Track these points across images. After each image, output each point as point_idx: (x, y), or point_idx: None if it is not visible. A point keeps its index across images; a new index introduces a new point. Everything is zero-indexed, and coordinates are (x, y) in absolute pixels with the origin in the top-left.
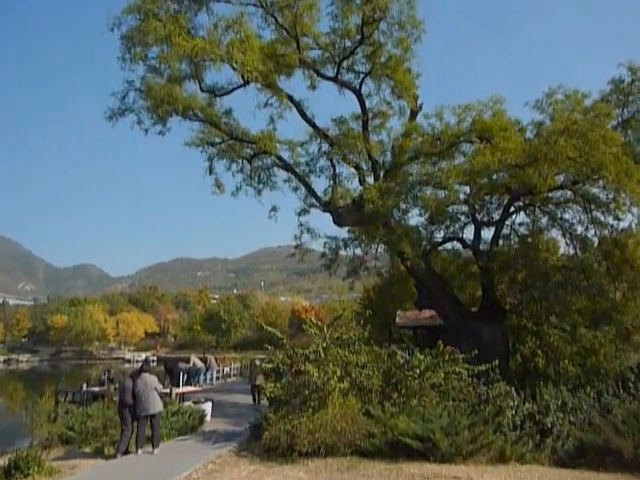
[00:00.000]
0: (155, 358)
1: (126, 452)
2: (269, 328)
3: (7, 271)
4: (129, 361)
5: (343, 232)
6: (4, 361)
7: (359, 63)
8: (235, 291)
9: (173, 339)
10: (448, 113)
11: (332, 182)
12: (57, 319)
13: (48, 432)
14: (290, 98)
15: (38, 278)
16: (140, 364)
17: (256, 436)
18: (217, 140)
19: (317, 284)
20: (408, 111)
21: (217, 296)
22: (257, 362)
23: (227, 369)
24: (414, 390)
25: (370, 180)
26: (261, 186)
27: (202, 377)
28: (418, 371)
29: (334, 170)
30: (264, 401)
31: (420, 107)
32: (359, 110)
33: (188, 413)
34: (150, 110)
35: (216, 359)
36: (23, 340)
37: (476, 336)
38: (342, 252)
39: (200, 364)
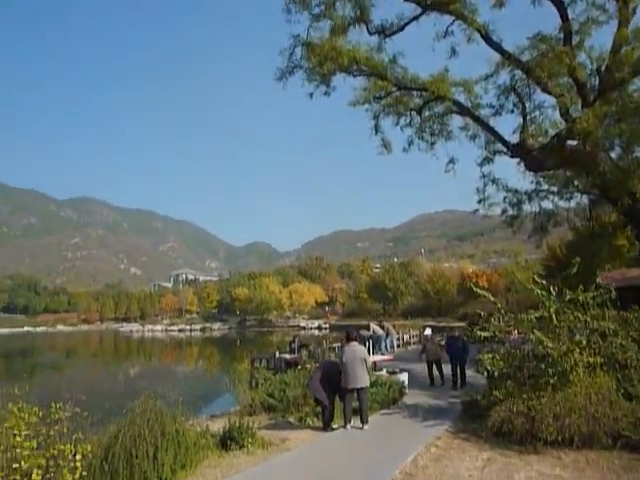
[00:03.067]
0: (327, 325)
1: (330, 426)
2: (480, 290)
3: (195, 252)
4: (304, 328)
5: (526, 184)
6: (200, 329)
7: None
8: (395, 259)
9: (341, 307)
10: None
11: (522, 121)
12: (239, 292)
13: (251, 399)
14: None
15: (220, 256)
16: (345, 332)
17: (470, 415)
18: (383, 94)
19: (481, 248)
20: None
21: (378, 265)
22: (428, 332)
23: (406, 336)
24: None
25: (575, 110)
26: (434, 138)
27: (383, 344)
28: None
29: (523, 106)
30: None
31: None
32: (556, 26)
33: (387, 384)
34: (313, 70)
35: (394, 326)
36: (213, 311)
37: None
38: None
39: (380, 331)
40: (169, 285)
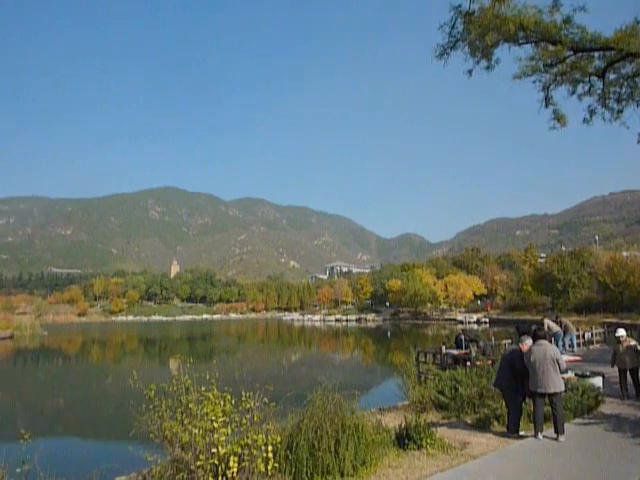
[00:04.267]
0: (487, 319)
1: (516, 432)
2: None
3: (347, 244)
4: (461, 322)
5: None
6: (356, 319)
7: None
8: (563, 248)
9: (502, 301)
10: None
11: None
12: (392, 283)
13: (421, 395)
14: None
15: (371, 248)
16: (533, 328)
17: None
18: (555, 60)
19: None
20: None
21: (543, 255)
22: (621, 333)
23: (587, 334)
24: None
25: None
26: (621, 104)
27: (560, 343)
28: None
29: None
30: None
31: None
32: None
33: (580, 389)
34: (475, 42)
35: (572, 323)
36: (367, 302)
37: None
38: None
39: (556, 328)
40: (325, 277)
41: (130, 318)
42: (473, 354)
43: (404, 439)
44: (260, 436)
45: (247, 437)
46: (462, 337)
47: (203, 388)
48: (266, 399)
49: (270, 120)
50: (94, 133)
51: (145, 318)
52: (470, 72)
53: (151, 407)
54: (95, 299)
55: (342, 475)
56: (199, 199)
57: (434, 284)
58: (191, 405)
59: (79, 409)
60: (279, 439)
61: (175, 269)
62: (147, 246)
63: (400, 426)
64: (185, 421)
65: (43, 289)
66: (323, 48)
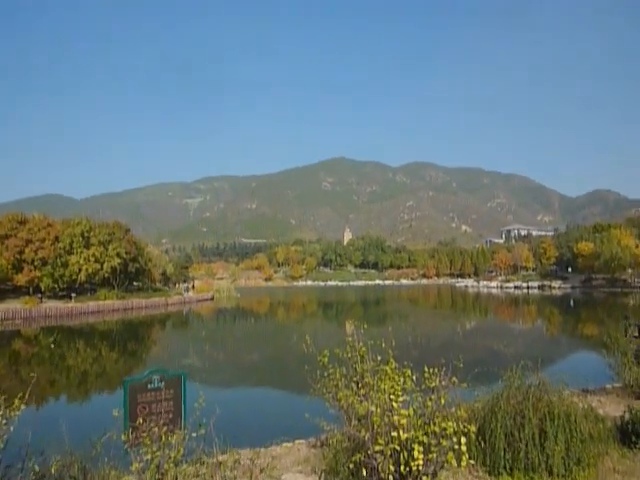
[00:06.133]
0: None
1: None
2: None
3: (525, 205)
4: None
5: None
6: (538, 287)
7: None
8: None
9: None
10: None
11: None
12: (582, 246)
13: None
14: None
15: (554, 209)
16: None
17: None
18: None
19: None
20: None
21: None
22: None
23: None
24: None
25: None
26: None
27: None
28: None
29: None
30: None
31: None
32: None
33: None
34: None
35: None
36: (551, 267)
37: None
38: None
39: None
40: (500, 241)
41: (309, 283)
42: None
43: (630, 435)
44: (450, 424)
45: (434, 424)
46: None
47: (379, 357)
48: (455, 379)
49: (437, 81)
50: (273, 116)
51: (322, 283)
52: None
53: (325, 374)
54: (278, 265)
55: (550, 474)
56: (367, 167)
57: (636, 247)
58: (367, 375)
59: (268, 365)
60: (473, 429)
61: (347, 236)
62: (321, 215)
63: (622, 417)
64: (361, 391)
65: (235, 257)
66: None
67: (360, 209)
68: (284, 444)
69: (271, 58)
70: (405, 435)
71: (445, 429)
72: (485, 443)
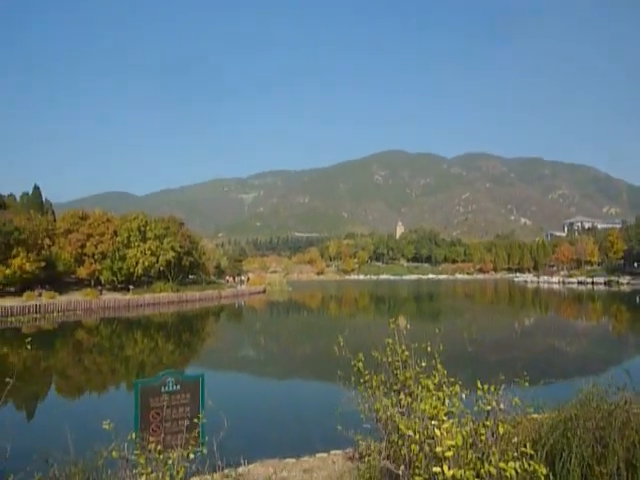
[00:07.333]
0: None
1: None
2: None
3: (589, 196)
4: None
5: None
6: (604, 282)
7: None
8: None
9: None
10: None
11: None
12: None
13: None
14: None
15: (621, 200)
16: None
17: None
18: None
19: None
20: None
21: None
22: None
23: None
24: None
25: None
26: None
27: None
28: None
29: None
30: None
31: None
32: None
33: None
34: None
35: None
36: (619, 262)
37: None
38: None
39: None
40: (562, 234)
41: (361, 277)
42: None
43: None
44: (511, 464)
45: (489, 462)
46: None
47: (423, 363)
48: (517, 399)
49: (493, 70)
50: (329, 111)
51: (374, 277)
52: None
53: (361, 381)
54: (330, 259)
55: None
56: (421, 160)
57: None
58: (410, 384)
59: (319, 360)
60: (543, 470)
61: (400, 230)
62: (373, 209)
63: None
64: (402, 402)
65: (288, 251)
66: None
67: (413, 202)
68: (318, 455)
69: (318, 51)
70: (451, 472)
71: (505, 470)
72: (555, 478)
